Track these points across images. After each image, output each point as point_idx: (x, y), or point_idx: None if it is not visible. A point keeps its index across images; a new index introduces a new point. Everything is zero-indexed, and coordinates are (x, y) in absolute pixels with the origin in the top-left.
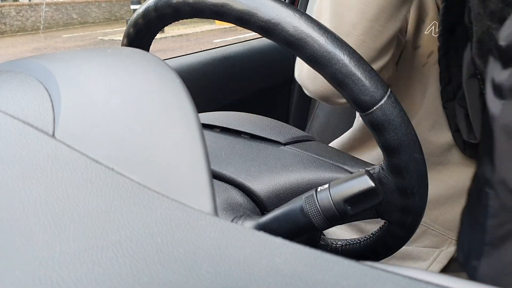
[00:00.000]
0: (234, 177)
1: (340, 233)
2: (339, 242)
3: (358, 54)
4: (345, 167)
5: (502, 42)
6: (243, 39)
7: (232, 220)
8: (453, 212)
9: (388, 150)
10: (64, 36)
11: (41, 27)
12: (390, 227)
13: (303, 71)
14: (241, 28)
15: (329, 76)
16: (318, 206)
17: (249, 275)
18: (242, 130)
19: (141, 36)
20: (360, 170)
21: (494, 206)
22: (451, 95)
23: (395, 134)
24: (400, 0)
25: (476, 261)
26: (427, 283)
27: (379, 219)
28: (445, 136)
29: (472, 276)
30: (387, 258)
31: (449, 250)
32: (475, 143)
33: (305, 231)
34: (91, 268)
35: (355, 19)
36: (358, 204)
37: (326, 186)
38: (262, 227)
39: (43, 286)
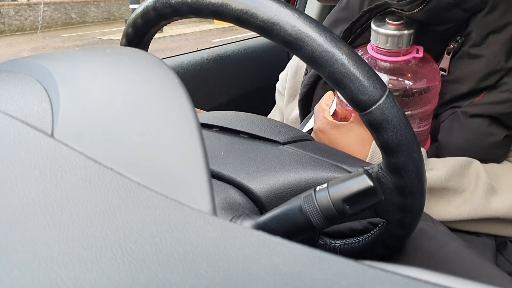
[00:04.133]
0: (233, 177)
1: None
2: (337, 242)
3: (357, 54)
4: (344, 166)
5: None
6: (242, 39)
7: (231, 220)
8: None
9: (386, 149)
10: (62, 35)
11: (39, 27)
12: (389, 227)
13: None
14: (240, 27)
15: (328, 75)
16: (316, 205)
17: (248, 275)
18: (241, 129)
19: (140, 35)
20: (359, 169)
21: None
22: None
23: (394, 133)
24: None
25: None
26: (426, 282)
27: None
28: None
29: None
30: None
31: None
32: None
33: (304, 230)
34: (90, 268)
35: None
36: (357, 203)
37: (325, 185)
38: (261, 227)
39: (42, 286)
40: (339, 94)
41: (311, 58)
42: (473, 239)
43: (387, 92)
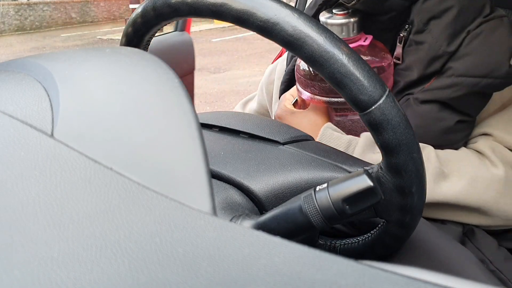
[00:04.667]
0: (233, 177)
1: None
2: (337, 242)
3: (357, 54)
4: (344, 166)
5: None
6: (242, 38)
7: (230, 220)
8: None
9: (386, 149)
10: (62, 35)
11: None
12: (389, 227)
13: None
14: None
15: (328, 75)
16: (316, 205)
17: (248, 275)
18: (241, 129)
19: (139, 35)
20: (359, 169)
21: None
22: None
23: (394, 133)
24: None
25: None
26: (426, 282)
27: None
28: None
29: None
30: None
31: None
32: None
33: (304, 230)
34: (90, 268)
35: None
36: (357, 203)
37: (325, 185)
38: (261, 227)
39: (42, 286)
40: (298, 86)
41: (311, 58)
42: (439, 226)
43: (387, 92)
